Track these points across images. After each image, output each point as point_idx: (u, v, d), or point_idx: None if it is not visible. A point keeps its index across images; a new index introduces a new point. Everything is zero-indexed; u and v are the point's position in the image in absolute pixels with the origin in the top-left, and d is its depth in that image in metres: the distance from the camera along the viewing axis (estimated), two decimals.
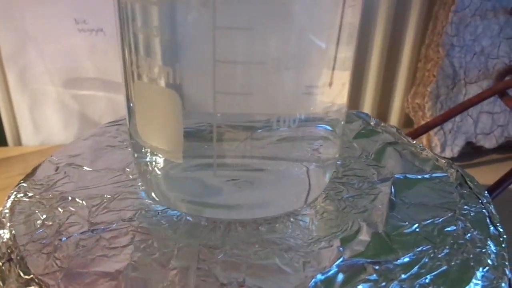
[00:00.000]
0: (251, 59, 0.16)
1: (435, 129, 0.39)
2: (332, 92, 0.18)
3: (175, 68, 0.16)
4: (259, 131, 0.17)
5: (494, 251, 0.17)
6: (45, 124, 0.43)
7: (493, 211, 0.20)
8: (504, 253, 0.17)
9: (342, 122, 0.20)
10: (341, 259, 0.16)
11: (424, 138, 0.40)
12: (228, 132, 0.17)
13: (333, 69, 0.17)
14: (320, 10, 0.16)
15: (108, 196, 0.20)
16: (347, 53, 0.18)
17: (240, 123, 0.17)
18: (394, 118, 0.45)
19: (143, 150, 0.19)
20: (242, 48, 0.16)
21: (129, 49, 0.17)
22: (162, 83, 0.16)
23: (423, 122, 0.38)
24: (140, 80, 0.17)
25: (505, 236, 0.18)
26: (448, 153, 0.39)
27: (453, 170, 0.22)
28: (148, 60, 0.16)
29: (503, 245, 0.18)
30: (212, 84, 0.16)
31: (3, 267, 0.16)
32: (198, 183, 0.18)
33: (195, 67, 0.17)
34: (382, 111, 0.46)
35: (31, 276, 0.15)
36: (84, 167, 0.22)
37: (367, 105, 0.45)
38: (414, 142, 0.25)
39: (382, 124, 0.27)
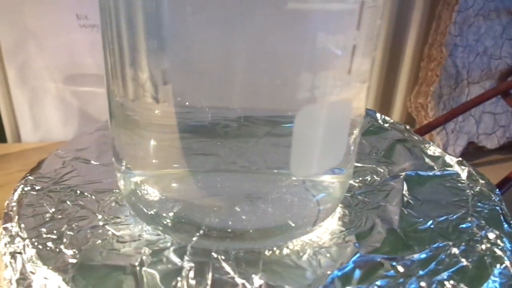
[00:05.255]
0: (256, 69, 0.15)
1: (438, 129, 0.39)
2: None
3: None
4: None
5: (510, 248, 0.17)
6: (45, 120, 0.43)
7: (505, 208, 0.20)
8: None
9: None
10: (357, 255, 0.16)
11: (426, 138, 0.40)
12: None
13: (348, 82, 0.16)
14: (335, 12, 0.15)
15: (117, 190, 0.19)
16: (364, 62, 0.16)
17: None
18: (396, 117, 0.45)
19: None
20: (244, 61, 0.15)
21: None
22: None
23: (425, 122, 0.38)
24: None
25: None
26: (450, 153, 0.39)
27: (464, 167, 0.22)
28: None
29: None
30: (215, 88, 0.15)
31: (11, 261, 0.16)
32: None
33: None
34: (385, 110, 0.46)
35: (42, 270, 0.15)
36: (92, 161, 0.22)
37: (369, 104, 0.45)
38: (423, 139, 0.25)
39: (390, 121, 0.27)
